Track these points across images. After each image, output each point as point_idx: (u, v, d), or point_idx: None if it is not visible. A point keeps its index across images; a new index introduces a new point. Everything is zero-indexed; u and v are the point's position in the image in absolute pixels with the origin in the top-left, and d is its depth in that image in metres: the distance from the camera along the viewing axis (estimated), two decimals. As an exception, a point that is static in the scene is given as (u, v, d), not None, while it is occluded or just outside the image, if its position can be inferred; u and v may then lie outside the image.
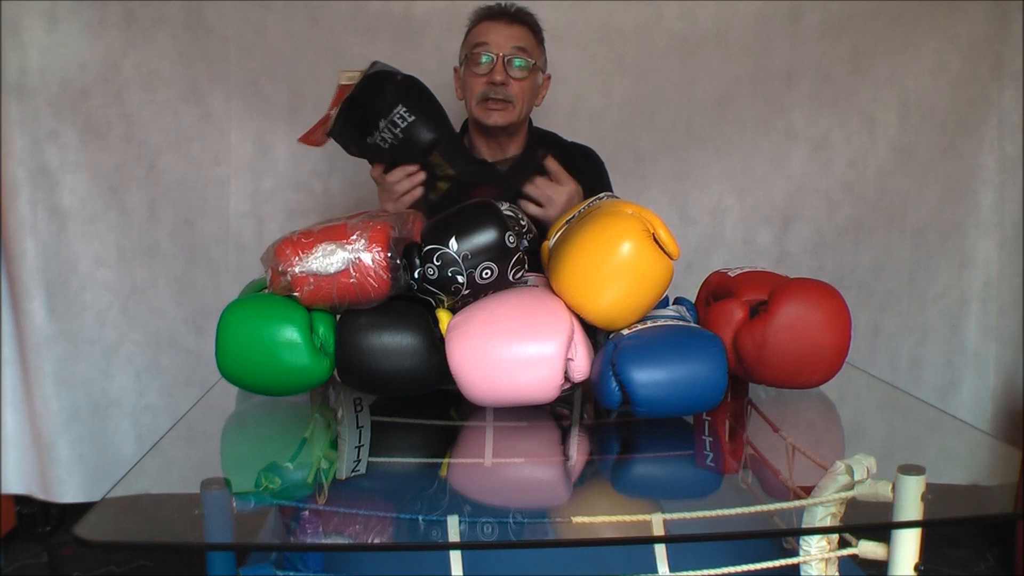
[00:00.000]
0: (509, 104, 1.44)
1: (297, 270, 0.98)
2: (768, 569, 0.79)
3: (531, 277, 1.14)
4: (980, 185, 2.00)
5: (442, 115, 1.35)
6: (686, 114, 1.99)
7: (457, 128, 1.59)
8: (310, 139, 1.36)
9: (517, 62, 1.43)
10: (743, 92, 1.98)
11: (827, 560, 0.80)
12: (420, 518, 0.82)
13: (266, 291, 1.04)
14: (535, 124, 1.59)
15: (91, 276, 1.89)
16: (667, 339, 1.00)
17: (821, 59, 1.96)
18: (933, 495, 0.74)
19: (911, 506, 0.74)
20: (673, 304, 1.17)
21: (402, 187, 1.33)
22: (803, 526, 0.79)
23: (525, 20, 1.47)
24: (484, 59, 1.43)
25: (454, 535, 0.74)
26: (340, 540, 0.82)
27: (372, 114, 1.30)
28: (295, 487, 0.89)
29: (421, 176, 1.33)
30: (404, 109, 1.29)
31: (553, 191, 1.36)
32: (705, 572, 0.78)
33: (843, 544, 0.81)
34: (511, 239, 1.04)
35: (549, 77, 1.55)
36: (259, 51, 1.90)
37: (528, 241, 1.13)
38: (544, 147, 1.55)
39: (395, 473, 0.99)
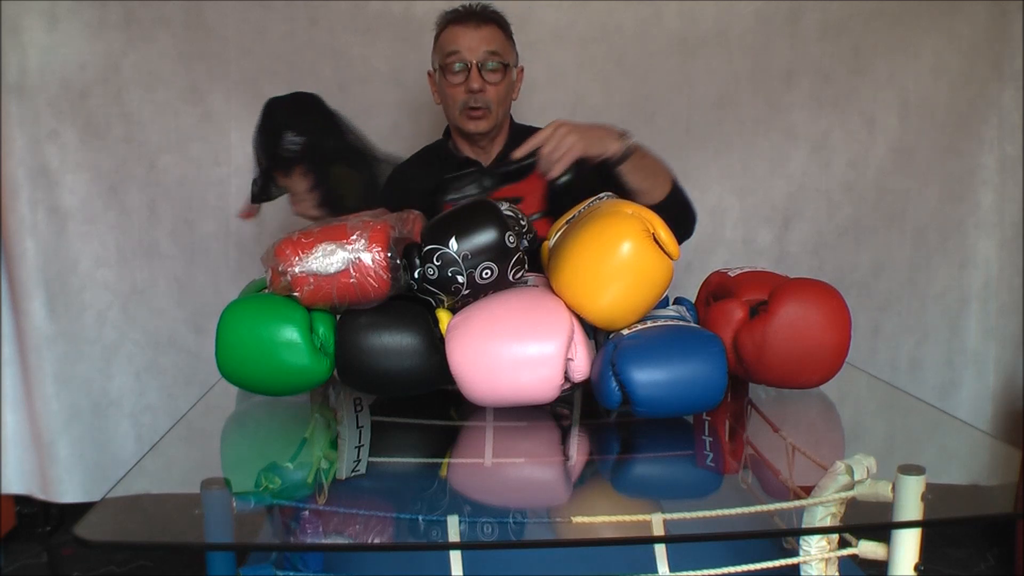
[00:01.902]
0: (488, 110, 1.44)
1: (297, 270, 0.98)
2: (768, 569, 0.79)
3: (531, 277, 1.14)
4: (980, 185, 2.00)
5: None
6: (686, 114, 1.99)
7: (439, 134, 1.59)
8: (247, 213, 1.38)
9: (491, 65, 1.43)
10: (743, 92, 1.98)
11: (827, 560, 0.80)
12: (420, 518, 0.82)
13: (266, 291, 1.04)
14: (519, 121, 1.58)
15: (91, 276, 1.89)
16: (667, 339, 1.00)
17: (821, 59, 1.96)
18: (933, 495, 0.74)
19: (911, 506, 0.74)
20: (673, 304, 1.17)
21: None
22: (803, 526, 0.79)
23: (492, 18, 1.47)
24: (458, 67, 1.43)
25: (454, 535, 0.74)
26: (340, 540, 0.82)
27: (269, 146, 1.30)
28: (295, 487, 0.89)
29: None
30: (292, 133, 1.28)
31: (557, 139, 1.21)
32: (705, 572, 0.78)
33: (843, 544, 0.81)
34: (511, 239, 1.04)
35: (522, 69, 1.54)
36: (259, 51, 1.90)
37: (528, 241, 1.13)
38: (513, 145, 1.55)
39: (395, 473, 0.99)
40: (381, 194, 1.49)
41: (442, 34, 1.48)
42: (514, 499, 0.92)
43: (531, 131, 1.57)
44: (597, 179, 1.24)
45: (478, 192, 1.27)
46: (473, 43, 1.43)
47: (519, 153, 1.23)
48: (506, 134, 1.54)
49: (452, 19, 1.47)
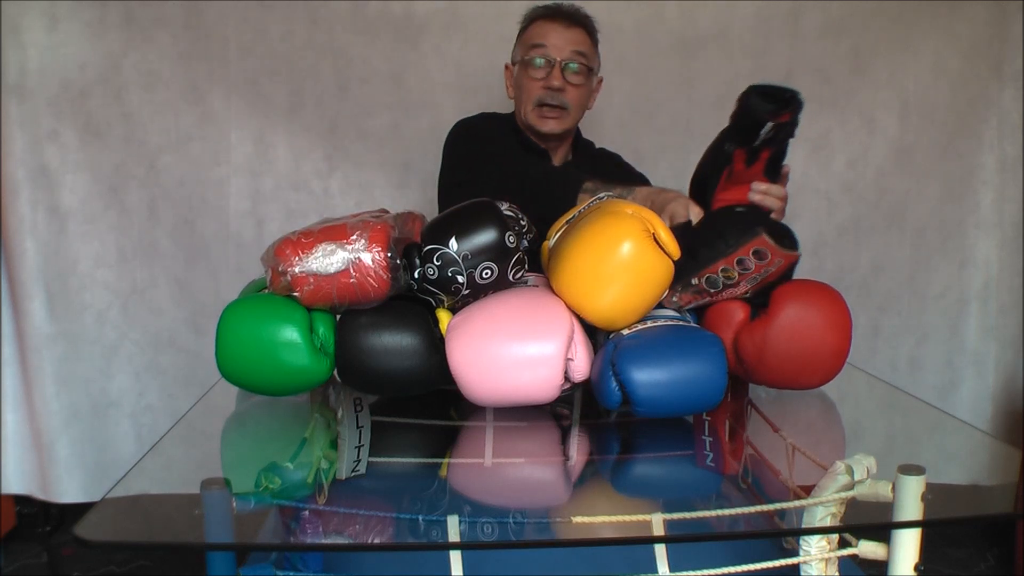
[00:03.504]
0: (564, 111, 1.42)
1: (297, 270, 0.98)
2: (768, 569, 0.79)
3: (531, 277, 1.14)
4: (980, 185, 2.01)
5: None
6: (686, 114, 1.99)
7: (440, 134, 1.59)
8: None
9: (574, 66, 1.41)
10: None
11: (827, 560, 0.80)
12: (420, 518, 0.82)
13: (266, 291, 1.04)
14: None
15: (91, 276, 1.89)
16: (667, 339, 1.00)
17: (821, 59, 1.96)
18: (933, 495, 0.74)
19: (911, 506, 0.74)
20: (673, 304, 1.16)
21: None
22: (803, 526, 0.79)
23: (582, 22, 1.45)
24: (540, 62, 1.40)
25: (454, 535, 0.74)
26: (340, 540, 0.82)
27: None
28: (295, 487, 0.89)
29: None
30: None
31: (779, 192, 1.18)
32: (705, 572, 0.78)
33: (843, 544, 0.81)
34: (511, 239, 1.04)
35: (601, 79, 1.53)
36: (259, 51, 1.90)
37: (528, 241, 1.13)
38: (578, 155, 1.54)
39: (395, 473, 0.99)
40: (460, 141, 1.45)
41: (529, 28, 1.46)
42: (514, 499, 0.92)
43: (585, 142, 1.57)
44: None
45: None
46: (560, 41, 1.41)
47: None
48: (570, 143, 1.52)
49: (542, 15, 1.45)
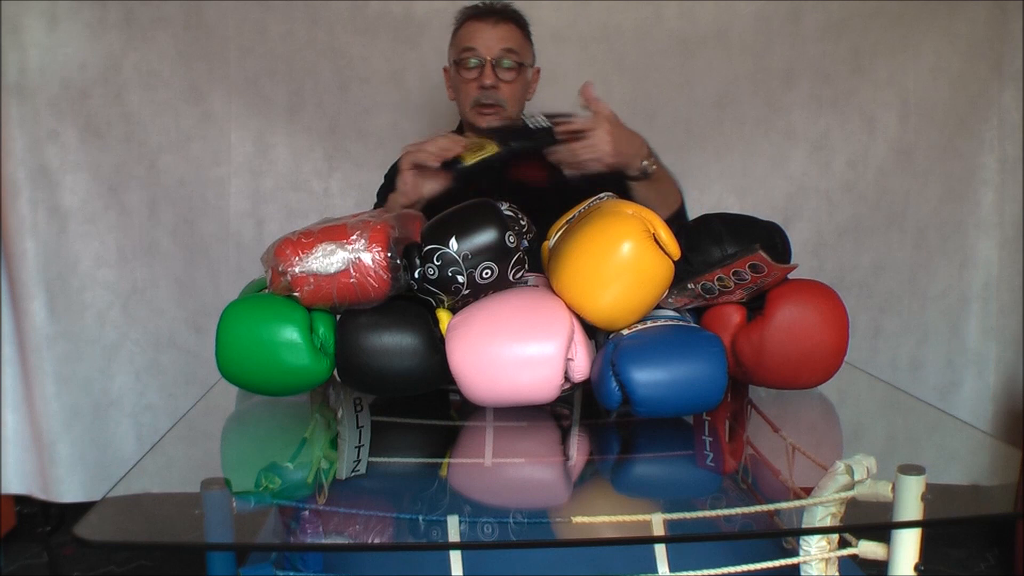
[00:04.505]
0: (501, 107, 1.44)
1: (297, 270, 0.98)
2: (768, 569, 0.79)
3: (531, 277, 1.14)
4: (980, 185, 2.01)
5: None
6: (686, 114, 1.99)
7: (453, 128, 1.60)
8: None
9: (506, 63, 1.43)
10: (743, 92, 1.98)
11: (827, 560, 0.80)
12: (420, 518, 0.82)
13: (266, 291, 1.04)
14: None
15: (91, 276, 1.89)
16: (667, 339, 1.00)
17: (821, 59, 1.96)
18: (933, 495, 0.74)
19: (911, 506, 0.74)
20: (673, 304, 1.16)
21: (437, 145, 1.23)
22: (803, 526, 0.79)
23: (511, 17, 1.47)
24: (473, 63, 1.43)
25: (454, 535, 0.74)
26: (340, 540, 0.82)
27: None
28: (295, 487, 0.89)
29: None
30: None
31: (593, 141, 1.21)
32: (705, 572, 0.78)
33: (843, 544, 0.81)
34: (511, 239, 1.04)
35: (538, 70, 1.55)
36: (259, 51, 1.91)
37: (528, 241, 1.13)
38: None
39: (395, 473, 0.99)
40: (388, 180, 1.51)
41: (460, 30, 1.48)
42: (514, 499, 0.92)
43: None
44: (601, 181, 1.23)
45: (501, 146, 1.21)
46: (490, 40, 1.43)
47: (561, 131, 1.21)
48: None
49: (471, 15, 1.47)
